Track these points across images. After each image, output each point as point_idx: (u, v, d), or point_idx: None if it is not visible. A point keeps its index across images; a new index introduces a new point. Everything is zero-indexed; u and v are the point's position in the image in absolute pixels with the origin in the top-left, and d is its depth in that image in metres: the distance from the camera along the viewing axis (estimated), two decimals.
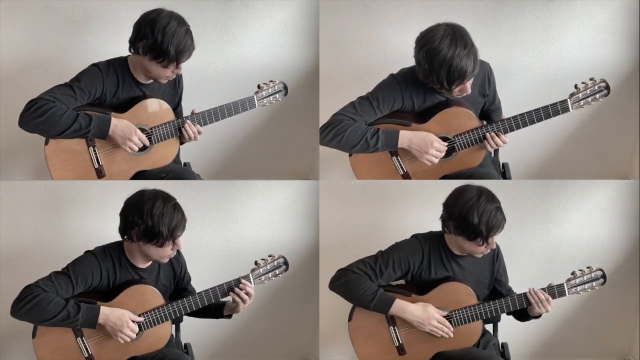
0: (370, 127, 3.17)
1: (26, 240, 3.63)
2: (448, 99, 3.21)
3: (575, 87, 3.18)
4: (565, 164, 3.89)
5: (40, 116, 3.05)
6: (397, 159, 3.25)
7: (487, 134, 3.18)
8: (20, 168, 3.69)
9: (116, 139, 3.16)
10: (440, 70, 3.01)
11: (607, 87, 3.18)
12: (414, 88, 3.19)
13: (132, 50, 3.18)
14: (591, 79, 3.19)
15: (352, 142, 3.16)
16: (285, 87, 3.41)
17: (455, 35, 3.02)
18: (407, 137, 3.17)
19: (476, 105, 3.27)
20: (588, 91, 3.17)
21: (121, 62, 3.23)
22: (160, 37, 3.08)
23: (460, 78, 3.04)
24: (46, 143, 3.15)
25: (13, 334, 3.64)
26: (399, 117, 3.21)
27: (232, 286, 3.17)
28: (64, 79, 3.16)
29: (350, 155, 3.26)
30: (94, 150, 3.19)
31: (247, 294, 3.17)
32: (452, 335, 3.15)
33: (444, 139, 3.21)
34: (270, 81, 3.39)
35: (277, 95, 3.40)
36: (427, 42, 3.03)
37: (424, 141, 3.17)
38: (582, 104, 3.17)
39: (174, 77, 3.22)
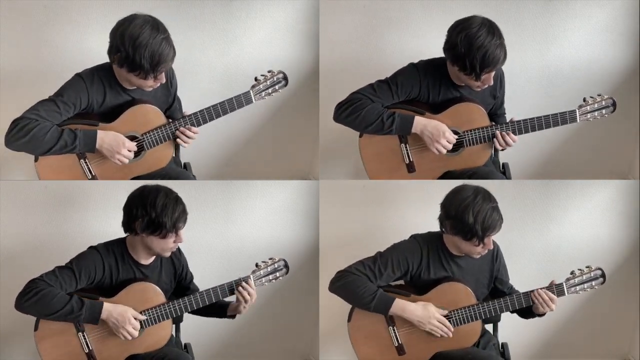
0: (387, 109, 3.21)
1: (26, 240, 3.63)
2: (462, 95, 3.26)
3: (584, 100, 3.27)
4: (565, 164, 3.89)
5: (24, 136, 3.00)
6: (406, 147, 3.27)
7: (498, 132, 3.21)
8: (20, 168, 3.68)
9: (104, 153, 3.12)
10: (477, 54, 3.08)
11: (614, 104, 3.28)
12: (432, 80, 3.25)
13: (111, 62, 3.10)
14: (599, 95, 3.27)
15: (367, 122, 3.20)
16: (285, 77, 3.31)
17: (492, 26, 3.13)
18: (421, 122, 3.21)
19: (486, 105, 3.32)
20: (596, 105, 3.28)
21: (106, 69, 3.14)
22: (131, 51, 2.99)
23: (493, 65, 3.11)
24: (36, 160, 3.13)
25: (14, 333, 3.64)
26: (414, 105, 3.26)
27: (232, 287, 3.18)
28: (64, 79, 3.14)
29: (360, 136, 3.29)
30: (85, 162, 3.16)
31: (249, 294, 3.17)
32: (451, 334, 3.15)
33: (454, 133, 3.24)
34: (269, 71, 3.30)
35: (276, 86, 3.30)
36: (465, 28, 3.11)
37: (437, 129, 3.20)
38: (588, 117, 3.27)
39: (158, 85, 3.14)
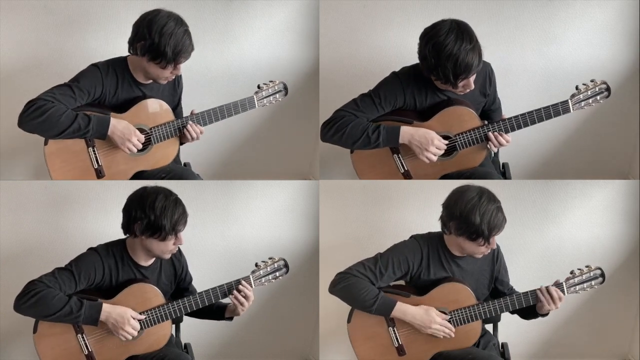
0: (372, 123, 3.19)
1: (26, 240, 3.63)
2: (450, 98, 3.22)
3: (577, 88, 3.20)
4: (565, 164, 3.89)
5: (39, 116, 3.05)
6: (398, 157, 3.26)
7: (491, 134, 3.19)
8: (20, 168, 3.69)
9: (115, 139, 3.16)
10: (447, 64, 3.02)
11: (608, 89, 3.20)
12: (416, 86, 3.20)
13: (131, 51, 3.18)
14: (592, 81, 3.21)
15: (353, 138, 3.17)
16: (285, 87, 3.40)
17: (461, 30, 3.05)
18: (408, 132, 3.18)
19: (477, 104, 3.28)
20: (589, 92, 3.19)
21: (121, 62, 3.22)
22: (157, 38, 3.08)
23: (466, 72, 3.05)
24: (45, 143, 3.15)
25: (14, 333, 3.64)
26: (401, 115, 3.22)
27: (232, 287, 3.18)
28: (64, 79, 3.16)
29: (351, 152, 3.27)
30: (94, 151, 3.19)
31: (245, 297, 3.17)
32: (453, 335, 3.15)
33: (446, 137, 3.22)
34: (270, 81, 3.38)
35: (277, 95, 3.39)
36: (433, 36, 3.05)
37: (425, 138, 3.18)
38: (582, 105, 3.20)
39: (173, 77, 3.22)
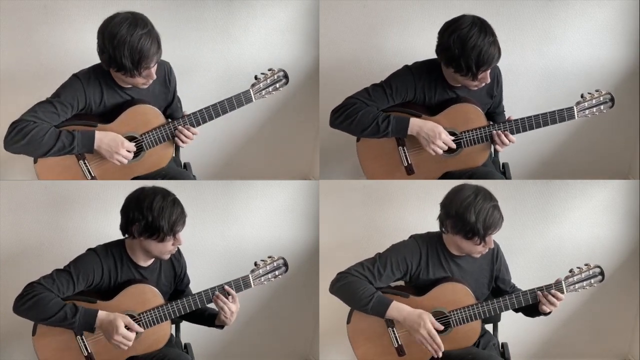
0: (382, 112, 3.21)
1: (26, 240, 3.63)
2: (459, 96, 3.25)
3: (582, 96, 3.24)
4: (565, 164, 3.90)
5: (22, 139, 3.00)
6: (403, 150, 3.28)
7: (495, 132, 3.21)
8: (20, 168, 3.69)
9: (102, 153, 3.11)
10: (471, 54, 3.07)
11: (612, 100, 3.25)
12: (427, 81, 3.24)
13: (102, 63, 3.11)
14: (597, 90, 3.24)
15: (363, 125, 3.19)
16: (286, 76, 3.28)
17: (483, 24, 3.11)
18: (417, 124, 3.21)
19: (483, 105, 3.32)
20: (594, 101, 3.24)
21: (103, 68, 3.12)
22: (112, 51, 2.98)
23: (488, 63, 3.10)
24: (35, 162, 3.13)
25: (13, 333, 3.64)
26: (410, 108, 3.25)
27: (231, 285, 3.17)
28: (64, 79, 3.14)
29: (358, 140, 3.29)
30: (85, 163, 3.15)
31: (224, 303, 3.13)
32: (440, 354, 3.12)
33: (451, 134, 3.23)
34: (269, 70, 3.27)
35: (277, 84, 3.27)
36: (457, 28, 3.10)
37: (433, 130, 3.20)
38: (587, 113, 3.24)
39: (150, 82, 3.12)
